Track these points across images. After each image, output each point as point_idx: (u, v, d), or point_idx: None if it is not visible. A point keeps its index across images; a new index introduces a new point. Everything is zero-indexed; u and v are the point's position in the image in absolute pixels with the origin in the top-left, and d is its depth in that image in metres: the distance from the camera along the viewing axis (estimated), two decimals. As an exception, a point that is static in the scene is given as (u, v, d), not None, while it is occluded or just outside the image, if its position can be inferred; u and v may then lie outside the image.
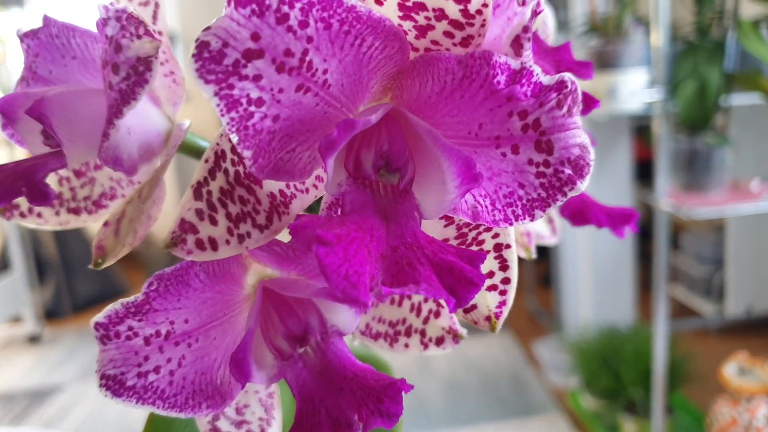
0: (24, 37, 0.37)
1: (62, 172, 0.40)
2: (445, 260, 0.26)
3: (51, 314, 3.37)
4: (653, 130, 1.68)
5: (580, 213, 0.45)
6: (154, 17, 0.36)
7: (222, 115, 0.25)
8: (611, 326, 2.15)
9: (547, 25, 0.44)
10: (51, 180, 0.40)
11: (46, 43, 0.37)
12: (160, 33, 0.36)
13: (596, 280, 2.33)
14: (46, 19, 0.36)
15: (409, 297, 0.38)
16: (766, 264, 2.45)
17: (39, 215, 0.39)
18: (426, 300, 0.38)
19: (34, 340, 3.09)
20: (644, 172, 2.46)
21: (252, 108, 0.26)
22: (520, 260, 0.36)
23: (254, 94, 0.25)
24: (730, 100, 1.66)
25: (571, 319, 2.44)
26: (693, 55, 1.64)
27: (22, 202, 0.39)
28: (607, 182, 2.25)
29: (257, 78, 0.25)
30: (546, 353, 2.45)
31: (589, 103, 0.36)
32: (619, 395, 1.95)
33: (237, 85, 0.25)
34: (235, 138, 0.26)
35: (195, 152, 0.39)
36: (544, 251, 2.94)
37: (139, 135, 0.35)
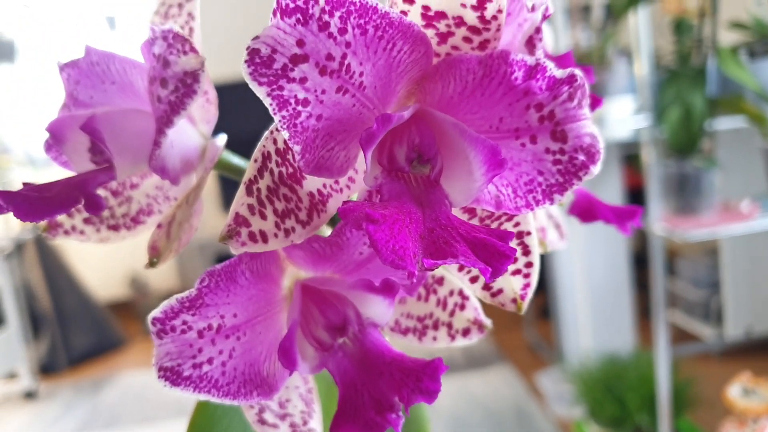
0: (65, 67, 0.40)
1: (99, 192, 0.43)
2: (479, 237, 0.28)
3: (47, 369, 3.33)
4: (643, 157, 1.72)
5: (588, 211, 0.48)
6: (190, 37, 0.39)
7: (274, 114, 0.28)
8: (612, 354, 2.16)
9: (545, 42, 0.48)
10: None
11: (87, 70, 0.39)
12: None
13: (595, 310, 2.34)
14: (87, 48, 0.39)
15: (435, 292, 0.41)
16: (762, 285, 2.47)
17: (82, 233, 0.42)
18: (451, 294, 0.41)
19: (30, 396, 3.05)
20: (636, 199, 2.50)
21: (299, 107, 0.28)
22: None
23: (301, 95, 0.28)
24: (715, 124, 1.70)
25: (571, 349, 2.45)
26: (676, 82, 1.70)
27: (64, 220, 0.42)
28: (599, 211, 2.27)
29: (303, 80, 0.28)
30: (549, 385, 2.45)
31: (594, 102, 0.39)
32: (624, 422, 1.95)
33: (286, 86, 0.28)
34: (286, 134, 0.28)
35: (229, 169, 0.42)
36: (541, 284, 2.95)
37: (180, 149, 0.37)
